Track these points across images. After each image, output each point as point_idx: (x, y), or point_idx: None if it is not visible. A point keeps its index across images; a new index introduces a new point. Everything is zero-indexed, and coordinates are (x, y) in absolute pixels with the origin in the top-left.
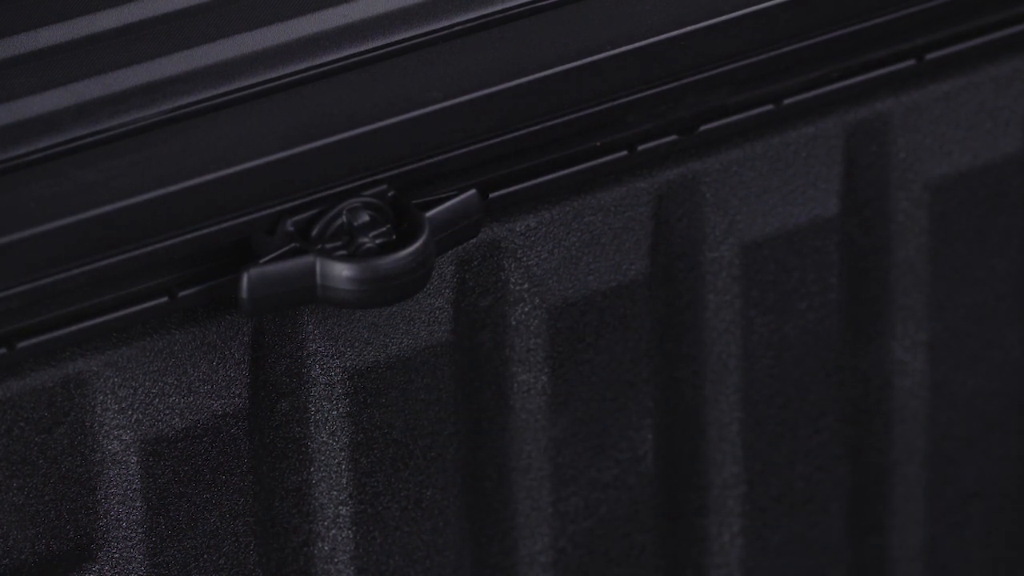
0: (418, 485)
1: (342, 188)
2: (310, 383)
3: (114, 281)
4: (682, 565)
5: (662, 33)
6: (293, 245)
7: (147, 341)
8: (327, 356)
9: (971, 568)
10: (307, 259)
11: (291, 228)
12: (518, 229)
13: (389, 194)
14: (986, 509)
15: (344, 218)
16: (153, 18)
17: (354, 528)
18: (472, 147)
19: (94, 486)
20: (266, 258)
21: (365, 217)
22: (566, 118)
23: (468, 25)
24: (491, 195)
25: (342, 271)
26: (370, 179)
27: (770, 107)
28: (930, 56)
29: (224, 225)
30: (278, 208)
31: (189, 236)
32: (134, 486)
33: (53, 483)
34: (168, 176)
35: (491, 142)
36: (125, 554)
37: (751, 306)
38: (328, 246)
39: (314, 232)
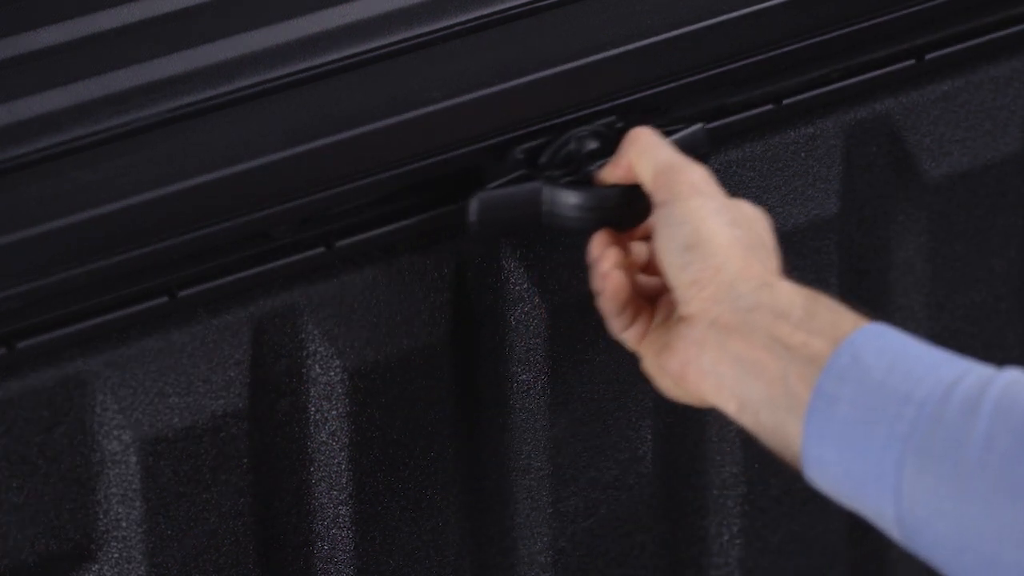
0: (418, 485)
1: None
2: (310, 383)
3: (114, 281)
4: (682, 565)
5: (662, 33)
6: (521, 171)
7: (147, 341)
8: (327, 356)
9: None
10: (534, 185)
11: (520, 155)
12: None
13: (617, 125)
14: None
15: (572, 146)
16: (160, 17)
17: (354, 528)
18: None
19: (94, 486)
20: (494, 183)
21: (592, 145)
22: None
23: None
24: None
25: (568, 198)
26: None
27: (770, 107)
28: (930, 56)
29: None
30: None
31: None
32: (134, 486)
33: (53, 483)
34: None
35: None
36: (125, 554)
37: None
38: (555, 173)
39: (542, 159)
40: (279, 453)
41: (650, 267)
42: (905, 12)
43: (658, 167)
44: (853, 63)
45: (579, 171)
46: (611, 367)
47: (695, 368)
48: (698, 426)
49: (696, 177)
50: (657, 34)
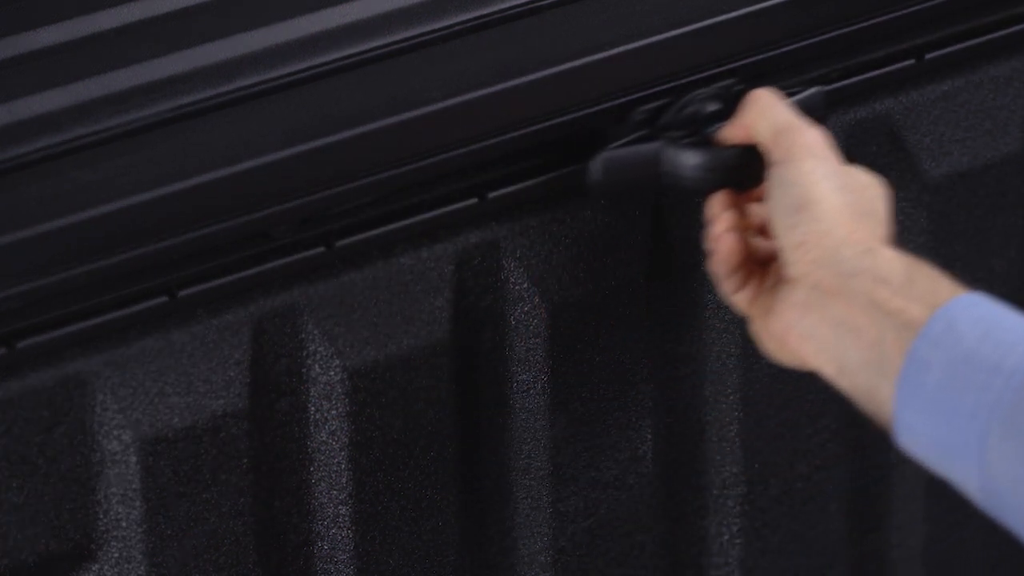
0: (418, 485)
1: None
2: (310, 383)
3: (114, 281)
4: (682, 565)
5: (662, 33)
6: (642, 132)
7: (147, 341)
8: (327, 356)
9: (971, 568)
10: (654, 145)
11: (641, 116)
12: (518, 229)
13: (737, 87)
14: None
15: (693, 107)
16: (160, 17)
17: (354, 528)
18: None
19: (94, 486)
20: (616, 144)
21: (713, 107)
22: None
23: None
24: (491, 195)
25: (688, 158)
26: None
27: None
28: (930, 56)
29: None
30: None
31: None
32: (134, 486)
33: (53, 483)
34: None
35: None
36: (125, 554)
37: None
38: (676, 134)
39: (663, 120)
40: (279, 453)
41: (766, 229)
42: (905, 12)
43: (776, 127)
44: (853, 63)
45: (699, 132)
46: (611, 367)
47: (797, 331)
48: (698, 426)
49: (812, 139)
50: (658, 33)
